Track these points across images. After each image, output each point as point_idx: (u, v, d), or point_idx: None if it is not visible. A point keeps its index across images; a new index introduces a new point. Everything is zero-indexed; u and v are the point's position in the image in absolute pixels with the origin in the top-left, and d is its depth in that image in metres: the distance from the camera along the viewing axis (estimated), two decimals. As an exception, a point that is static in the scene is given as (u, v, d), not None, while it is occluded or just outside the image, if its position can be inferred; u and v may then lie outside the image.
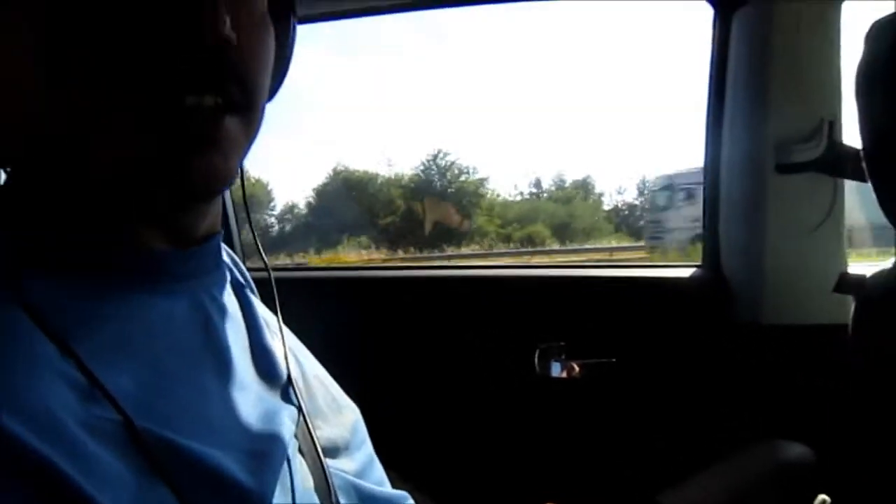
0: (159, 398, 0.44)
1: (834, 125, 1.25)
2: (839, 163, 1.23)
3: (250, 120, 0.49)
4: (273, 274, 0.73)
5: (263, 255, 0.67)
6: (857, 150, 0.86)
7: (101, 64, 0.41)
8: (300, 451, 0.55)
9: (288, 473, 0.51)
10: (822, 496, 0.75)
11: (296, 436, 0.55)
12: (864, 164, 0.84)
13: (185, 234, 0.52)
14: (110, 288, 0.46)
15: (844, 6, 1.26)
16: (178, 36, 0.41)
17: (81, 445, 0.37)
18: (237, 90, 0.46)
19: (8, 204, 0.48)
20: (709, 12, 1.38)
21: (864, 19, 0.84)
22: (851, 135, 1.24)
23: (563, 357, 1.40)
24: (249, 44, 0.47)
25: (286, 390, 0.57)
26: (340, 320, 1.45)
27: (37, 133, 0.44)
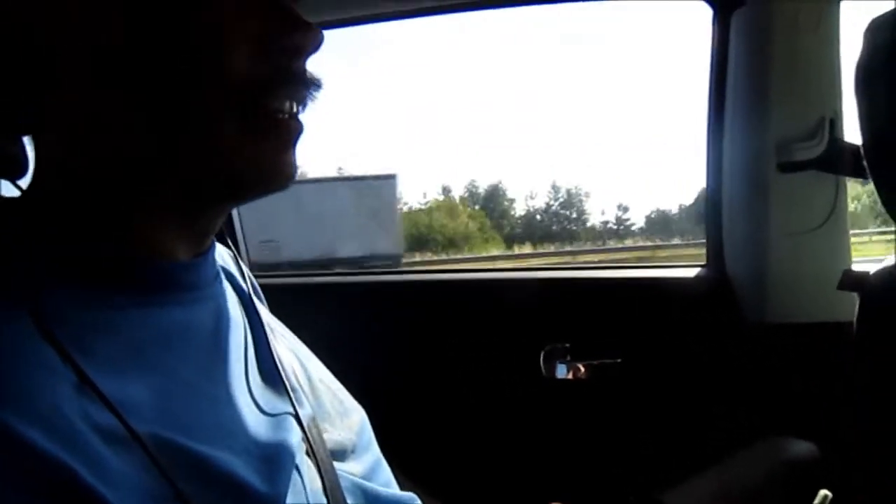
0: (174, 406, 0.44)
1: (835, 123, 1.25)
2: (841, 160, 1.23)
3: None
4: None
5: (241, 261, 0.69)
6: (857, 147, 0.86)
7: (211, 69, 0.45)
8: (308, 453, 0.55)
9: (299, 477, 0.51)
10: (824, 491, 0.75)
11: (304, 439, 0.55)
12: (864, 160, 0.85)
13: (204, 239, 0.54)
14: (128, 299, 0.47)
15: (843, 6, 1.26)
16: (285, 46, 0.47)
17: (95, 450, 0.38)
18: (313, 97, 0.51)
19: (33, 213, 0.49)
20: (707, 12, 1.39)
21: (863, 18, 0.84)
22: (853, 132, 1.24)
23: (569, 358, 1.40)
24: None
25: (292, 395, 0.58)
26: (345, 325, 1.45)
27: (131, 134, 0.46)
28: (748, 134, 1.33)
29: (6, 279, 0.42)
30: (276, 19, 0.47)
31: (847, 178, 1.29)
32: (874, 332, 0.90)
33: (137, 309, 0.47)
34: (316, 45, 0.49)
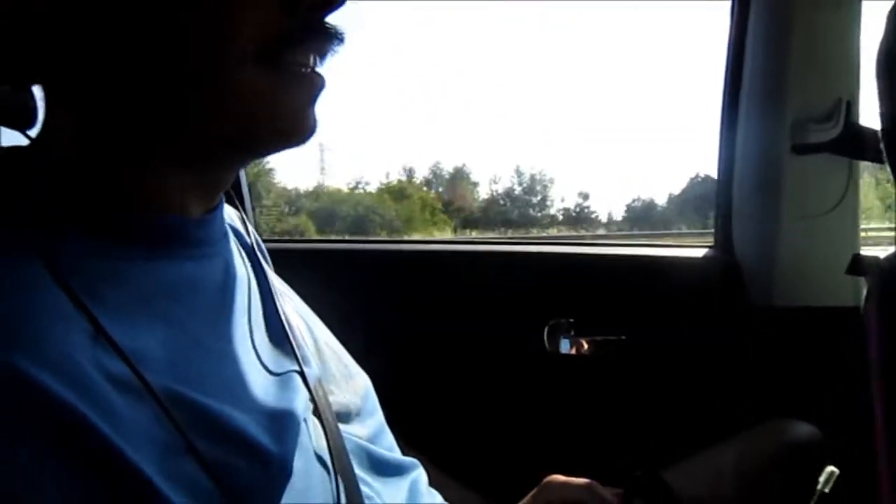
0: (184, 359, 0.44)
1: (851, 105, 1.24)
2: (856, 144, 1.22)
3: None
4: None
5: (249, 225, 0.68)
6: (875, 131, 0.85)
7: (228, 21, 0.44)
8: (314, 413, 0.56)
9: (307, 435, 0.51)
10: (831, 467, 0.76)
11: (311, 398, 0.55)
12: (881, 146, 0.84)
13: (215, 195, 0.54)
14: (137, 251, 0.47)
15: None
16: (309, 1, 0.46)
17: (108, 398, 0.38)
18: (334, 51, 0.50)
19: (43, 163, 0.48)
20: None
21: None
22: (869, 115, 1.23)
23: (573, 334, 1.40)
24: None
25: (298, 356, 0.58)
26: (349, 292, 1.45)
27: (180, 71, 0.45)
28: (763, 114, 1.32)
29: (18, 226, 0.42)
30: None
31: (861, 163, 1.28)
32: (883, 316, 0.89)
33: (147, 262, 0.47)
34: (341, 1, 0.48)
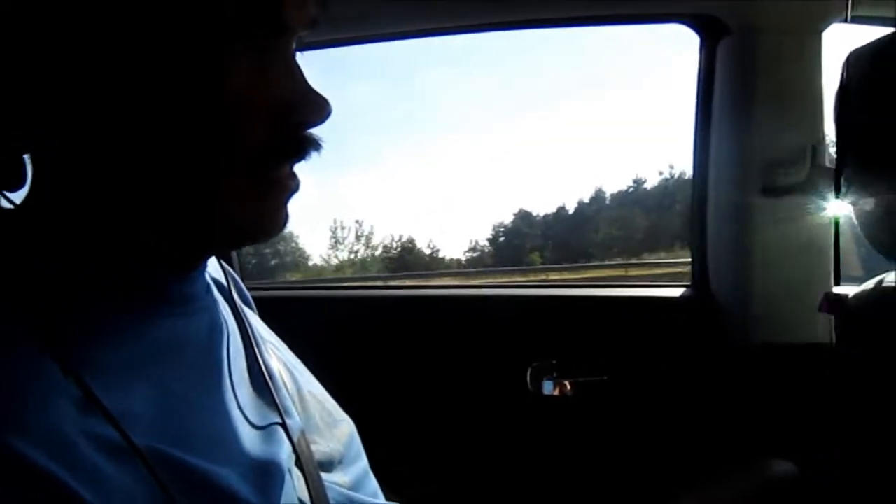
0: (171, 418, 0.45)
1: (817, 148, 1.28)
2: (823, 184, 1.26)
3: None
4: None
5: (233, 272, 0.70)
6: (836, 170, 0.88)
7: (230, 135, 0.46)
8: (296, 464, 0.56)
9: (292, 487, 0.52)
10: None
11: (293, 450, 0.56)
12: (843, 185, 0.87)
13: (199, 263, 0.55)
14: (126, 312, 0.48)
15: (825, 36, 1.29)
16: (299, 121, 0.49)
17: (95, 466, 0.39)
18: (310, 156, 0.53)
19: (29, 227, 0.49)
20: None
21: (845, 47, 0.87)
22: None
23: (555, 375, 1.41)
24: None
25: (281, 406, 0.59)
26: (334, 338, 1.46)
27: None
28: (733, 157, 1.35)
29: (7, 294, 0.43)
30: (293, 93, 0.48)
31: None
32: (852, 353, 0.91)
33: (134, 322, 0.48)
34: (325, 118, 0.51)
